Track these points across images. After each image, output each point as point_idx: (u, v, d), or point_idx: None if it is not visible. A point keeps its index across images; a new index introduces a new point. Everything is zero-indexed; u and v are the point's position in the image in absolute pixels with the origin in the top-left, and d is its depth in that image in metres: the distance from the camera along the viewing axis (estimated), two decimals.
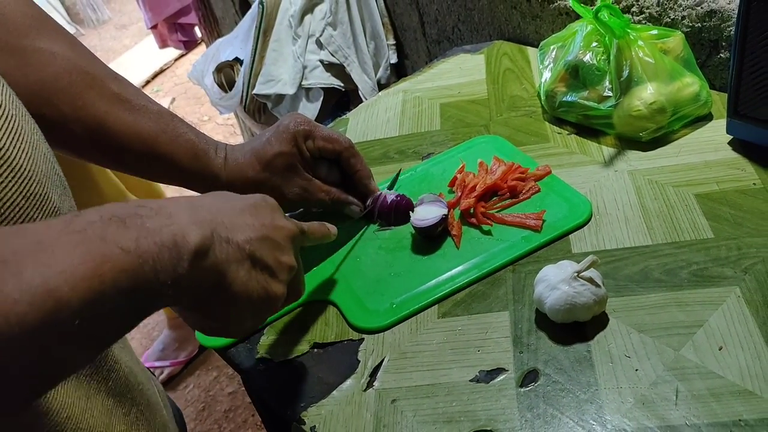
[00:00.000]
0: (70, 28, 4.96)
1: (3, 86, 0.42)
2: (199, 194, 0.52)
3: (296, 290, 0.56)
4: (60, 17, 4.96)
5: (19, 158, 0.40)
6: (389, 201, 0.75)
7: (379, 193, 0.77)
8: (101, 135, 0.63)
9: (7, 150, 0.40)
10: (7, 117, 0.41)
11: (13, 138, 0.41)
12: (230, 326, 0.50)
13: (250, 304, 0.48)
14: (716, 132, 0.79)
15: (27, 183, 0.41)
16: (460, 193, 0.77)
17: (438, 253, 0.71)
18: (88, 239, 0.35)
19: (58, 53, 0.61)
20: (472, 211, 0.74)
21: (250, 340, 0.68)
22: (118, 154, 0.66)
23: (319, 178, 0.74)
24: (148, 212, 0.39)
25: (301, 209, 0.81)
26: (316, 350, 0.65)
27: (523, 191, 0.76)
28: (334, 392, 0.60)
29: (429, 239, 0.73)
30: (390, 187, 0.80)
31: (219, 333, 0.51)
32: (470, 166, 0.82)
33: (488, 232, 0.72)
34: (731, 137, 0.77)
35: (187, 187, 0.71)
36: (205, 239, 0.42)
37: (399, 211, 0.75)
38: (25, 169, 0.41)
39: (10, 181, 0.39)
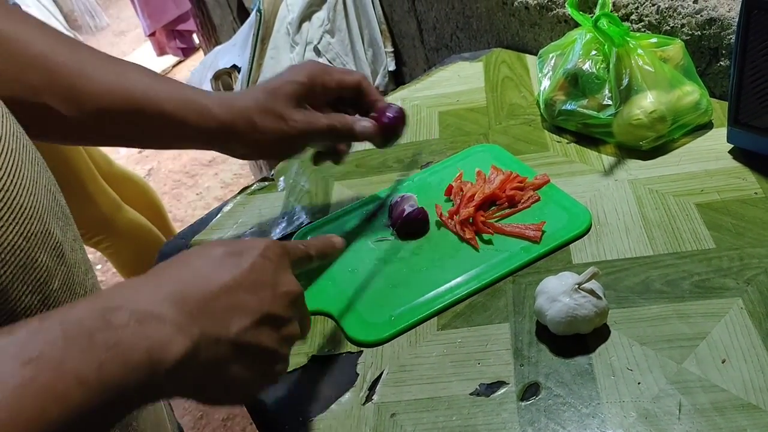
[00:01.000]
0: (68, 35, 4.96)
1: (2, 116, 0.41)
2: (186, 252, 0.46)
3: (303, 329, 0.51)
4: (58, 24, 4.96)
5: (20, 196, 0.39)
6: (412, 213, 0.74)
7: (396, 198, 0.77)
8: (81, 101, 0.58)
9: (8, 190, 0.38)
10: (6, 152, 0.39)
11: (13, 176, 0.39)
12: (227, 402, 0.45)
13: (249, 387, 0.45)
14: (717, 141, 0.78)
15: (27, 221, 0.39)
16: (458, 202, 0.77)
17: (437, 265, 0.71)
18: (40, 372, 0.31)
19: (21, 29, 0.57)
20: (471, 220, 0.74)
21: None
22: (104, 120, 0.60)
23: None
24: (123, 320, 0.35)
25: (281, 228, 0.80)
26: (314, 363, 0.64)
27: (522, 200, 0.76)
28: (333, 406, 0.59)
29: (412, 235, 0.74)
30: (391, 194, 0.79)
31: (217, 404, 0.47)
32: (468, 176, 0.81)
33: (488, 241, 0.72)
34: (732, 146, 0.76)
35: (175, 134, 0.64)
36: (188, 350, 0.38)
37: (419, 224, 0.75)
38: (25, 207, 0.40)
39: (10, 223, 0.38)
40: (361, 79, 0.70)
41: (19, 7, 0.98)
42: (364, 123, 0.69)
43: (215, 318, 0.41)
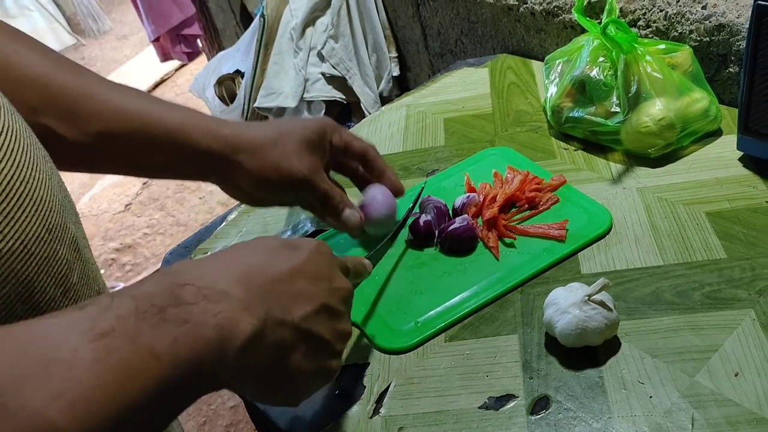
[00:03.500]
0: (71, 39, 4.97)
1: (14, 114, 0.41)
2: (244, 242, 0.46)
3: (346, 335, 0.51)
4: (61, 28, 4.97)
5: (39, 189, 0.39)
6: (458, 229, 0.72)
7: (421, 216, 0.74)
8: (79, 122, 0.57)
9: (28, 182, 0.38)
10: (22, 147, 0.39)
11: (31, 169, 0.39)
12: (280, 400, 0.46)
13: (306, 383, 0.46)
14: (726, 148, 0.77)
15: (48, 214, 0.40)
16: (481, 200, 0.76)
17: (459, 269, 0.70)
18: (115, 348, 0.31)
19: (22, 52, 0.56)
20: (492, 222, 0.73)
21: None
22: (104, 142, 0.59)
23: None
24: (193, 296, 0.35)
25: (309, 226, 0.79)
26: None
27: (542, 202, 0.75)
28: (340, 419, 0.59)
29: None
30: (414, 206, 0.76)
31: (269, 401, 0.49)
32: (484, 178, 0.81)
33: (511, 245, 0.71)
34: (742, 153, 0.76)
35: (178, 157, 0.62)
36: (256, 329, 0.38)
37: (463, 240, 0.72)
38: (44, 200, 0.40)
39: (34, 214, 0.38)
40: (368, 149, 0.70)
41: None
42: (351, 216, 0.68)
43: (279, 301, 0.41)
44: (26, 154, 0.39)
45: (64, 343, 0.30)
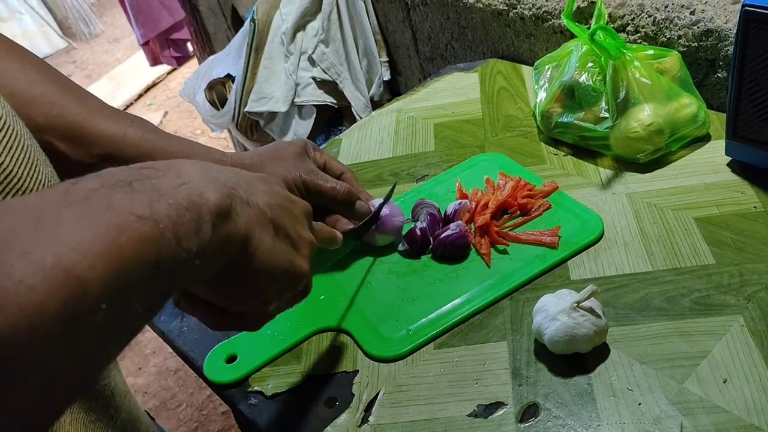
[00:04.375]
0: (63, 42, 4.95)
1: (15, 117, 0.41)
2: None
3: (306, 286, 0.51)
4: (52, 31, 4.95)
5: (28, 183, 0.39)
6: (451, 237, 0.71)
7: (416, 225, 0.74)
8: (81, 143, 0.59)
9: (26, 181, 0.38)
10: (25, 149, 0.39)
11: (30, 169, 0.39)
12: (251, 306, 0.45)
13: (275, 277, 0.44)
14: (715, 153, 0.78)
15: None
16: (474, 208, 0.76)
17: (451, 276, 0.70)
18: (95, 209, 0.30)
19: (29, 69, 0.58)
20: (485, 228, 0.73)
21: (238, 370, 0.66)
22: (102, 165, 0.59)
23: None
24: (155, 173, 0.35)
25: None
26: (309, 383, 0.63)
27: (534, 208, 0.75)
28: (328, 428, 0.58)
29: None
30: (386, 199, 0.76)
31: (235, 323, 0.47)
32: (476, 184, 0.81)
33: (503, 251, 0.71)
34: (730, 158, 0.76)
35: None
36: (224, 197, 0.37)
37: (456, 247, 0.72)
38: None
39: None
40: (345, 170, 0.76)
41: None
42: (361, 207, 0.73)
43: (241, 187, 0.41)
44: (26, 154, 0.39)
45: (43, 207, 0.29)
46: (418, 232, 0.73)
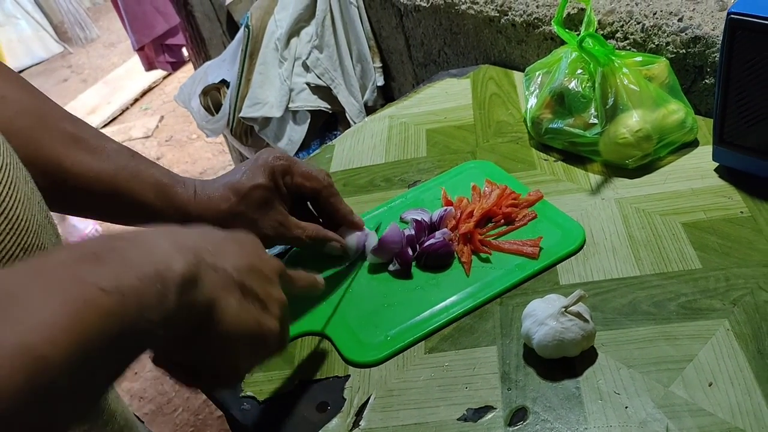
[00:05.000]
0: (58, 47, 4.95)
1: None
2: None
3: (281, 341, 0.51)
4: (48, 36, 4.95)
5: (15, 209, 0.39)
6: (435, 245, 0.72)
7: (404, 235, 0.74)
8: (59, 179, 0.60)
9: (4, 200, 0.39)
10: (3, 167, 0.40)
11: (9, 188, 0.39)
12: (222, 369, 0.46)
13: (243, 339, 0.44)
14: (702, 159, 0.79)
15: (24, 234, 0.40)
16: (459, 215, 0.76)
17: (432, 283, 0.70)
18: (62, 283, 0.31)
19: (9, 97, 0.58)
20: (468, 236, 0.73)
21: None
22: (79, 198, 0.63)
23: (295, 216, 0.71)
24: (123, 244, 0.36)
25: (279, 248, 0.80)
26: (301, 387, 0.64)
27: (518, 218, 0.76)
28: None
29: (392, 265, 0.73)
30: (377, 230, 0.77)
31: (210, 383, 0.48)
32: (463, 191, 0.81)
33: (486, 259, 0.72)
34: (717, 164, 0.77)
35: (147, 217, 0.67)
36: (190, 266, 0.38)
37: (440, 256, 0.72)
38: (21, 219, 0.40)
39: (7, 233, 0.38)
40: (321, 189, 0.72)
41: None
42: (333, 244, 0.73)
43: (209, 252, 0.42)
44: (5, 173, 0.40)
45: (11, 283, 0.30)
46: (410, 252, 0.73)
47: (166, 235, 0.40)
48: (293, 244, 0.74)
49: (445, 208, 0.77)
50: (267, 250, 0.79)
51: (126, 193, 0.64)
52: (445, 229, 0.74)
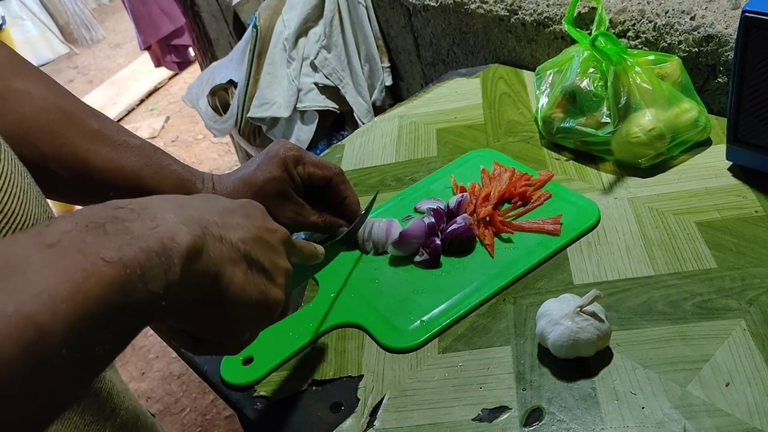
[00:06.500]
0: (64, 48, 4.96)
1: None
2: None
3: (285, 308, 0.52)
4: (54, 37, 4.97)
5: (11, 203, 0.39)
6: (458, 230, 0.73)
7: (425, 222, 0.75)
8: (83, 173, 0.61)
9: None
10: None
11: (3, 183, 0.39)
12: (226, 338, 0.46)
13: (249, 309, 0.45)
14: (716, 158, 0.78)
15: (19, 229, 0.39)
16: (475, 200, 0.77)
17: (458, 267, 0.72)
18: (65, 253, 0.31)
19: (34, 93, 0.59)
20: (487, 219, 0.75)
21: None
22: (103, 192, 0.63)
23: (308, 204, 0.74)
24: (129, 215, 0.36)
25: (302, 234, 0.80)
26: (314, 388, 0.63)
27: (534, 198, 0.77)
28: None
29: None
30: (368, 209, 0.77)
31: (213, 350, 0.48)
32: (471, 178, 0.83)
33: (508, 240, 0.73)
34: (731, 163, 0.76)
35: None
36: (196, 239, 0.38)
37: (463, 240, 0.73)
38: (16, 213, 0.39)
39: (2, 228, 0.38)
40: (332, 177, 0.74)
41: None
42: (343, 230, 0.75)
43: (215, 224, 0.42)
44: None
45: (13, 254, 0.30)
46: (437, 241, 0.73)
47: (173, 205, 0.40)
48: (311, 230, 0.76)
49: (462, 194, 0.78)
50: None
51: (149, 188, 0.64)
52: (465, 214, 0.75)
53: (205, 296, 0.41)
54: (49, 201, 0.48)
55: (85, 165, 0.61)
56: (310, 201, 0.75)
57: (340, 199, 0.76)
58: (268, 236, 0.48)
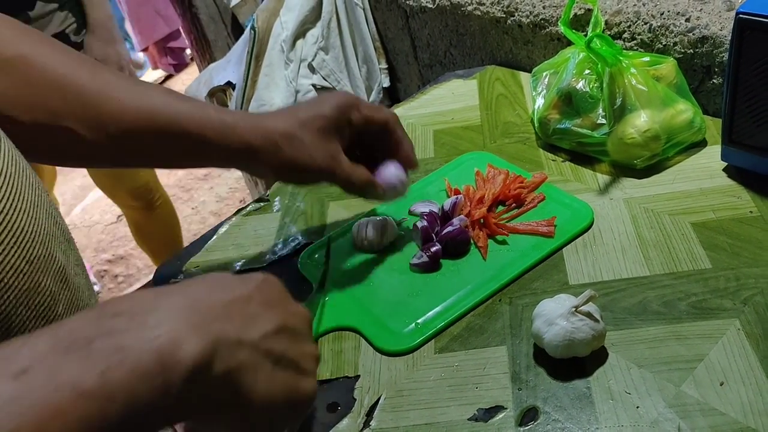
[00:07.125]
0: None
1: (1, 142, 0.41)
2: (191, 280, 0.42)
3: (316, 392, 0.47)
4: None
5: (20, 220, 0.39)
6: (453, 232, 0.73)
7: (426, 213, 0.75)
8: (97, 122, 0.57)
9: (7, 213, 0.38)
10: (4, 176, 0.39)
11: (12, 199, 0.39)
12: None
13: (278, 410, 0.40)
14: (711, 158, 0.79)
15: (30, 245, 0.39)
16: (469, 203, 0.78)
17: (453, 270, 0.72)
18: (33, 385, 0.28)
19: (41, 52, 0.57)
20: (482, 221, 0.75)
21: None
22: (128, 145, 0.60)
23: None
24: (126, 324, 0.32)
25: (300, 240, 0.80)
26: None
27: (528, 200, 0.78)
28: None
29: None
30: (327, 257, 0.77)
31: None
32: (465, 181, 0.83)
33: (503, 242, 0.73)
34: (726, 164, 0.77)
35: (198, 155, 0.64)
36: (204, 352, 0.34)
37: (458, 243, 0.73)
38: (26, 231, 0.39)
39: (12, 246, 0.37)
40: (389, 119, 0.70)
41: None
42: (379, 191, 0.70)
43: (233, 322, 0.37)
44: (9, 182, 0.39)
45: None
46: (437, 244, 0.73)
47: (182, 306, 0.35)
48: (337, 182, 0.69)
49: (456, 196, 0.78)
50: (284, 250, 0.80)
51: (170, 127, 0.61)
52: (461, 216, 0.75)
53: (224, 405, 0.37)
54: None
55: (102, 114, 0.57)
56: (359, 156, 0.71)
57: (394, 145, 0.71)
58: (292, 322, 0.43)
